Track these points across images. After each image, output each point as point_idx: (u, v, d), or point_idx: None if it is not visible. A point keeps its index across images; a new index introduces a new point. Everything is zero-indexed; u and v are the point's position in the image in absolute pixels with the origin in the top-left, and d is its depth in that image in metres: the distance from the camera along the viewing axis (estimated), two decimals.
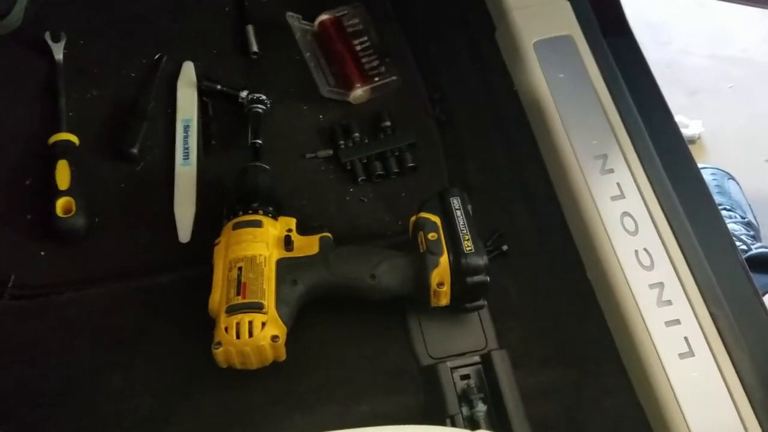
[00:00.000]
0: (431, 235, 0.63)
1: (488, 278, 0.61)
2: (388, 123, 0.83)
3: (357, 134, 0.82)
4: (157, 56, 0.86)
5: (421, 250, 0.63)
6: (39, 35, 0.85)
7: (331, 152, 0.81)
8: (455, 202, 0.64)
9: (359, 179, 0.79)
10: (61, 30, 0.86)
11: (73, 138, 0.78)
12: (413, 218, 0.67)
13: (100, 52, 0.86)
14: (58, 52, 0.85)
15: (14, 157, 0.78)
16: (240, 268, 0.62)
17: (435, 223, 0.64)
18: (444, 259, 0.62)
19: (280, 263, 0.64)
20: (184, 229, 0.75)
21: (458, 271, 0.61)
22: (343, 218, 0.77)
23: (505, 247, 0.69)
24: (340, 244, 0.68)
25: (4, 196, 0.75)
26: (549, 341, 0.65)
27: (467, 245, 0.61)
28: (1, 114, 0.81)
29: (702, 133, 1.33)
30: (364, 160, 0.80)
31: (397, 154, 0.81)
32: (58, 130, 0.78)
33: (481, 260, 0.61)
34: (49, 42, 0.85)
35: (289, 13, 0.90)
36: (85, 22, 0.88)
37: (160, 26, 0.89)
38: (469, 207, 0.65)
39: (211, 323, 0.64)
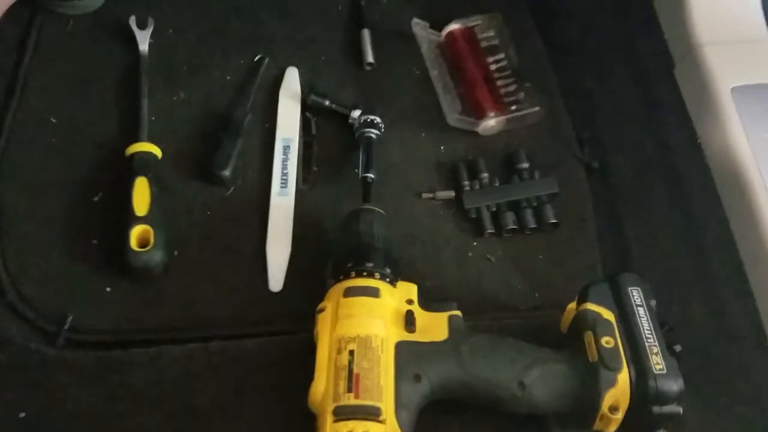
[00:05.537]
0: (606, 341, 0.48)
1: (681, 409, 0.47)
2: (525, 165, 0.69)
3: (485, 175, 0.68)
4: (257, 58, 0.73)
5: (591, 359, 0.48)
6: (123, 19, 0.73)
7: (453, 194, 0.68)
8: (635, 295, 0.50)
9: (486, 232, 0.65)
10: (149, 15, 0.73)
11: (155, 150, 0.66)
12: (574, 306, 0.52)
13: (191, 47, 0.74)
14: (144, 41, 0.72)
15: (83, 166, 0.66)
16: (351, 353, 0.49)
17: (610, 323, 0.49)
18: (623, 378, 0.47)
19: (400, 348, 0.50)
20: (277, 276, 0.62)
21: (642, 395, 0.46)
22: (463, 280, 0.63)
23: (677, 348, 0.54)
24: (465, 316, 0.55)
25: (69, 213, 0.63)
26: None
27: (656, 362, 0.46)
28: (71, 110, 0.69)
29: None
30: (493, 209, 0.66)
31: (534, 205, 0.67)
32: (138, 139, 0.66)
33: (675, 385, 0.46)
34: (134, 28, 0.73)
35: (416, 20, 0.76)
36: (178, 8, 0.76)
37: (263, 23, 0.76)
38: (653, 303, 0.50)
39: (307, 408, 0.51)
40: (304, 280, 0.62)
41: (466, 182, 0.68)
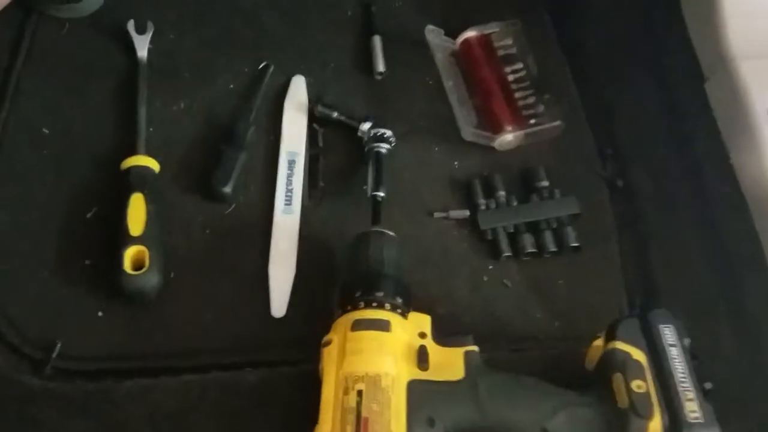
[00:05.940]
0: (637, 385, 0.44)
1: None
2: (544, 183, 0.65)
3: (502, 193, 0.64)
4: (262, 65, 0.69)
5: (620, 404, 0.45)
6: (121, 23, 0.69)
7: (468, 213, 0.64)
8: (668, 334, 0.46)
9: (502, 255, 0.62)
10: (148, 19, 0.69)
11: (153, 163, 0.62)
12: (600, 343, 0.48)
13: (193, 53, 0.70)
14: (142, 47, 0.68)
15: (76, 179, 0.62)
16: (360, 393, 0.45)
17: (641, 364, 0.45)
18: (655, 427, 0.43)
19: (412, 388, 0.47)
20: (280, 300, 0.58)
21: None
22: (477, 306, 0.60)
23: (708, 385, 0.50)
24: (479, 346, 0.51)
25: (60, 230, 0.59)
26: None
27: (691, 409, 0.43)
28: (64, 120, 0.65)
29: None
30: (511, 230, 0.63)
31: (554, 226, 0.63)
32: (135, 151, 0.62)
33: None
34: (132, 33, 0.69)
35: (429, 27, 0.72)
36: (179, 12, 0.72)
37: (269, 28, 0.72)
38: (687, 342, 0.47)
39: None
40: (309, 305, 0.58)
41: (482, 201, 0.64)
